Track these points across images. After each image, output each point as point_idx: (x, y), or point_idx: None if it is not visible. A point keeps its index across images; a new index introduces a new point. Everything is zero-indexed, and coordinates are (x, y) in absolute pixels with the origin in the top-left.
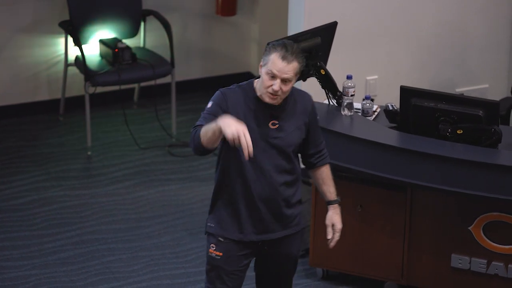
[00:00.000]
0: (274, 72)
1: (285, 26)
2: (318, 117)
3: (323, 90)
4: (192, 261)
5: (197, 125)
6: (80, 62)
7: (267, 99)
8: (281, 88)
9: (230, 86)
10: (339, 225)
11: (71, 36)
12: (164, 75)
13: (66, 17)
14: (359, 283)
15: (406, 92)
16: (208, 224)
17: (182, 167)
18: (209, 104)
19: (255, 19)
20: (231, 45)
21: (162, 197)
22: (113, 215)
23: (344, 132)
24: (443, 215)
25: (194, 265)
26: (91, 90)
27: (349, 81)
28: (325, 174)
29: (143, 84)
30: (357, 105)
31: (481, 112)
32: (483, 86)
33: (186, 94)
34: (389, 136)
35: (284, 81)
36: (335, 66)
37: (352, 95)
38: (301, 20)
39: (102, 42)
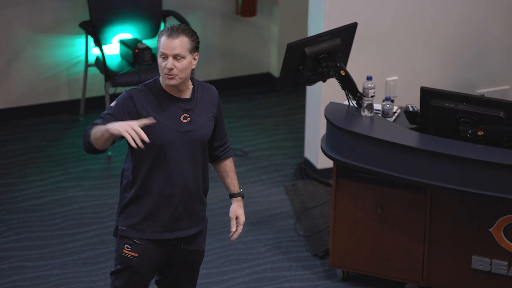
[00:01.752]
0: (163, 51)
1: (305, 27)
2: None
3: (343, 91)
4: (213, 262)
5: (94, 123)
6: (101, 62)
7: (167, 81)
8: (175, 66)
9: (137, 86)
10: (243, 218)
11: (92, 36)
12: None
13: (87, 17)
14: (379, 284)
15: (426, 93)
16: (120, 227)
17: None
18: (113, 104)
19: (274, 20)
20: (251, 45)
21: None
22: None
23: (364, 133)
24: (464, 216)
25: (216, 265)
26: (111, 90)
27: (369, 82)
28: (228, 167)
29: None
30: (377, 106)
31: (502, 113)
32: (504, 87)
33: None
34: (409, 137)
35: (175, 58)
36: (355, 67)
37: (372, 96)
38: (320, 21)
39: (122, 42)
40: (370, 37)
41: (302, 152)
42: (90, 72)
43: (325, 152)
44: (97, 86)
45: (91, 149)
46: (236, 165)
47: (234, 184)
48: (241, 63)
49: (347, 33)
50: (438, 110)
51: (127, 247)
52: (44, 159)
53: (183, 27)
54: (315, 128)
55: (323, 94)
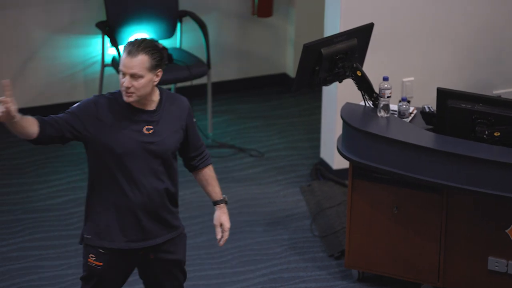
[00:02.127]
0: (121, 68)
1: (321, 28)
2: (195, 120)
3: (359, 92)
4: (228, 262)
5: (51, 115)
6: (117, 62)
7: (125, 98)
8: (132, 85)
9: (105, 94)
10: (227, 224)
11: (108, 36)
12: (200, 76)
13: (103, 17)
14: (395, 285)
15: (442, 94)
16: (85, 235)
17: (218, 168)
18: (76, 104)
19: (291, 21)
20: (267, 46)
21: (198, 198)
22: None
23: (381, 134)
24: (480, 217)
25: (230, 265)
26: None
27: (386, 82)
28: (207, 175)
29: (179, 84)
30: (393, 106)
31: None
32: None
33: (222, 95)
34: (425, 138)
35: (133, 76)
36: (372, 67)
37: (388, 97)
38: (337, 21)
39: None
40: (387, 38)
41: (318, 152)
42: (107, 72)
43: (341, 153)
44: (113, 86)
45: (29, 140)
46: (252, 166)
47: (215, 192)
48: (257, 63)
49: (363, 33)
50: (455, 111)
51: (91, 256)
52: (60, 158)
53: (144, 45)
54: (331, 128)
55: (339, 95)
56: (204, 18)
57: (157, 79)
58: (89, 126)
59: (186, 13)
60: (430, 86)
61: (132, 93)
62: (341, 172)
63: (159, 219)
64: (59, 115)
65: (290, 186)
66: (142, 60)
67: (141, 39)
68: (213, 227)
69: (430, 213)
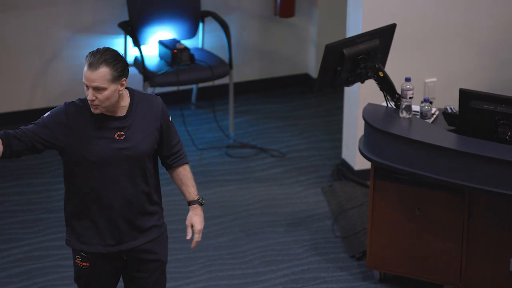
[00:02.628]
0: (84, 81)
1: (344, 28)
2: (170, 119)
3: (381, 92)
4: (249, 262)
5: (20, 128)
6: (139, 62)
7: (92, 109)
8: (96, 97)
9: (75, 100)
10: (198, 226)
11: (130, 36)
12: (222, 76)
13: (126, 17)
14: (417, 286)
15: (465, 95)
16: (67, 238)
17: (239, 168)
18: (46, 114)
19: (313, 21)
20: (289, 46)
21: (219, 198)
22: (170, 216)
23: (402, 135)
24: (502, 219)
25: (251, 266)
26: (150, 90)
27: (408, 83)
28: (182, 174)
29: (201, 85)
30: (415, 107)
31: None
32: None
33: (243, 95)
34: (447, 139)
35: (96, 89)
36: (394, 68)
37: (410, 98)
38: (359, 22)
39: (161, 43)
40: (409, 38)
41: (340, 153)
42: (129, 72)
43: (363, 153)
44: (135, 86)
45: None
46: (274, 166)
47: (189, 191)
48: (279, 64)
49: (385, 34)
50: (477, 112)
51: (77, 257)
52: None
53: (105, 56)
54: (353, 129)
55: (361, 95)
56: (226, 18)
57: (122, 88)
58: (60, 135)
59: (208, 13)
60: (453, 87)
61: (97, 105)
62: (363, 172)
63: (137, 221)
64: (28, 126)
65: (311, 186)
66: (103, 72)
67: (103, 49)
68: (234, 227)
69: (451, 214)
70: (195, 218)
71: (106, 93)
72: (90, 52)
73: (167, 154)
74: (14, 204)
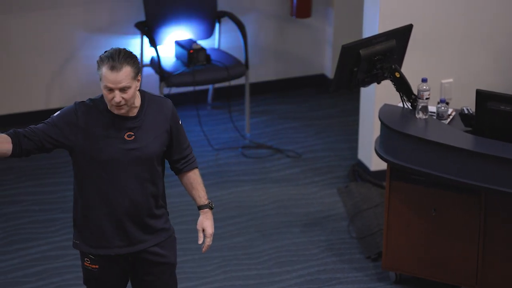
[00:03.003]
0: (109, 85)
1: (360, 29)
2: (180, 122)
3: (397, 93)
4: (265, 263)
5: (30, 127)
6: (155, 63)
7: (116, 111)
8: (123, 98)
9: (85, 100)
10: (210, 230)
11: (147, 37)
12: (238, 77)
13: (142, 18)
14: (433, 287)
15: (482, 96)
16: (74, 241)
17: (255, 168)
18: (56, 113)
19: (329, 21)
20: (305, 47)
21: (235, 198)
22: (186, 216)
23: (419, 136)
24: None
25: (267, 266)
26: (166, 90)
27: (424, 84)
28: (192, 178)
29: (217, 85)
30: (432, 108)
31: None
32: None
33: (259, 96)
34: (464, 140)
35: (122, 90)
36: (410, 69)
37: (427, 98)
38: (375, 22)
39: (177, 43)
40: (425, 39)
41: (356, 154)
42: (145, 72)
43: (379, 154)
44: (151, 86)
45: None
46: (289, 167)
47: (200, 196)
48: (295, 64)
49: (402, 34)
50: (494, 113)
51: (86, 260)
52: None
53: (123, 55)
54: (369, 130)
55: (377, 96)
56: (242, 18)
57: (139, 84)
58: (70, 134)
59: (224, 14)
60: (469, 88)
61: (124, 105)
62: (379, 173)
63: (144, 224)
64: (38, 125)
65: (327, 187)
66: (127, 71)
67: (117, 50)
68: (250, 227)
69: (468, 215)
70: (206, 222)
71: (130, 91)
72: (105, 57)
73: (177, 158)
74: (31, 203)
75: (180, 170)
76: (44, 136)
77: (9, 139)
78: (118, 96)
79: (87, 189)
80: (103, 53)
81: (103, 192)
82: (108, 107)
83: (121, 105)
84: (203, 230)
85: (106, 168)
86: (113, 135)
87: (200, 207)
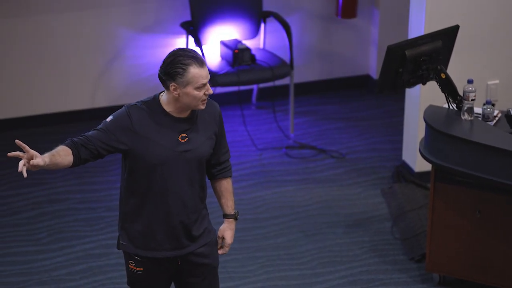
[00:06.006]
0: (203, 81)
1: (406, 30)
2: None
3: (442, 94)
4: (308, 263)
5: (84, 135)
6: None
7: (201, 107)
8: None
9: (135, 102)
10: (229, 240)
11: (192, 36)
12: (282, 77)
13: (188, 17)
14: None
15: None
16: (121, 242)
17: (299, 169)
18: (109, 119)
19: (375, 22)
20: (351, 47)
21: (279, 198)
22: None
23: (464, 137)
24: None
25: (310, 267)
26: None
27: (470, 85)
28: (224, 187)
29: (261, 85)
30: (477, 109)
31: None
32: None
33: (304, 96)
34: (509, 142)
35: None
36: (456, 70)
37: (472, 100)
38: (421, 23)
39: (222, 43)
40: (472, 40)
41: (400, 155)
42: None
43: (423, 155)
44: None
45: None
46: (333, 167)
47: (228, 205)
48: (340, 64)
49: (448, 35)
50: None
51: (131, 262)
52: None
53: (198, 53)
54: (414, 131)
55: (422, 97)
56: (288, 18)
57: None
58: (124, 139)
59: (270, 14)
60: None
61: (206, 98)
62: (423, 175)
63: (193, 226)
64: (91, 132)
65: (371, 188)
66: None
67: (186, 50)
68: (293, 227)
69: None
70: (227, 232)
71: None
72: (187, 58)
73: (215, 163)
74: (76, 202)
75: (215, 176)
76: (99, 144)
77: (69, 151)
78: (209, 87)
79: (138, 191)
80: (168, 65)
81: (154, 194)
82: (193, 106)
83: (205, 99)
84: (223, 238)
85: (159, 170)
86: (167, 138)
87: (226, 216)
